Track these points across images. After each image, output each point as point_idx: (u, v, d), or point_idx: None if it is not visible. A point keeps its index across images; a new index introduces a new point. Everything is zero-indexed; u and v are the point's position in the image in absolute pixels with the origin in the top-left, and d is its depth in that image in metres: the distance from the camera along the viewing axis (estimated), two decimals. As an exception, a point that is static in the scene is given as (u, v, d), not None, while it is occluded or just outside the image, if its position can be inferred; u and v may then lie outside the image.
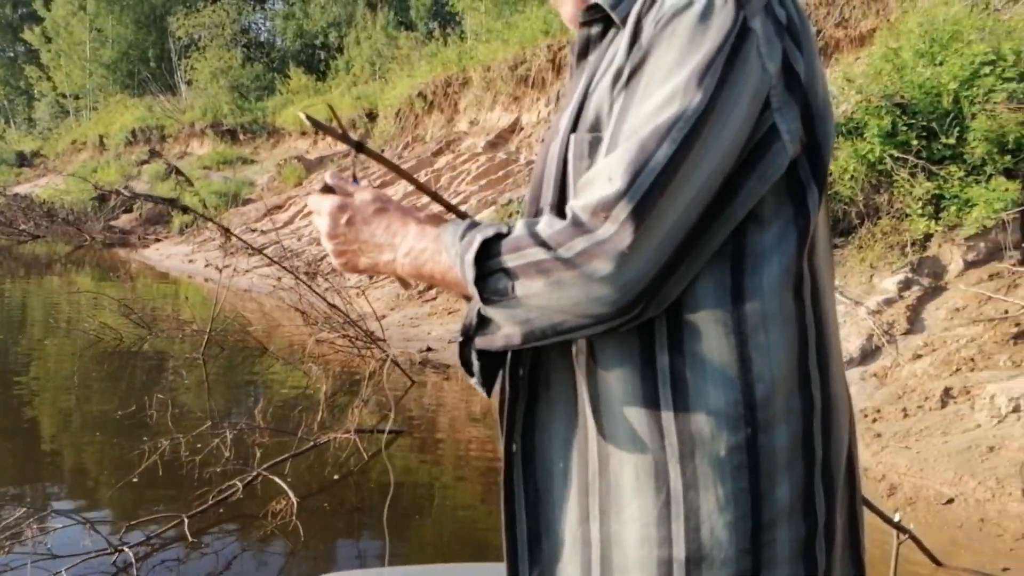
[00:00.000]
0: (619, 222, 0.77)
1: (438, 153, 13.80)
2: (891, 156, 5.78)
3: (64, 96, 33.58)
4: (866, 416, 4.40)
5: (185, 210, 8.39)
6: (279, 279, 6.39)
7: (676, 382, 0.83)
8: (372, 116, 18.05)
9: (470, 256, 0.82)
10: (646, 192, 0.77)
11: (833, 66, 9.01)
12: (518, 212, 9.58)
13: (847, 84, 6.34)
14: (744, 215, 0.82)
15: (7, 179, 26.76)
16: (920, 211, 5.70)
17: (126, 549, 2.79)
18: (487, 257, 0.82)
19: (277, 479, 3.32)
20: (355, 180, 1.04)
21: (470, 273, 0.82)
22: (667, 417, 0.84)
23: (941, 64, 5.88)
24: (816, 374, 0.86)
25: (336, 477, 3.77)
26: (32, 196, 18.83)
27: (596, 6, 0.93)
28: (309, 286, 5.59)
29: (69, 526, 3.05)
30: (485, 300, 0.83)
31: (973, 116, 5.56)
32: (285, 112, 21.63)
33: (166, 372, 6.15)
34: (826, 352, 0.88)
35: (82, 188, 18.92)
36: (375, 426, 4.17)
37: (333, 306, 5.59)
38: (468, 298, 0.88)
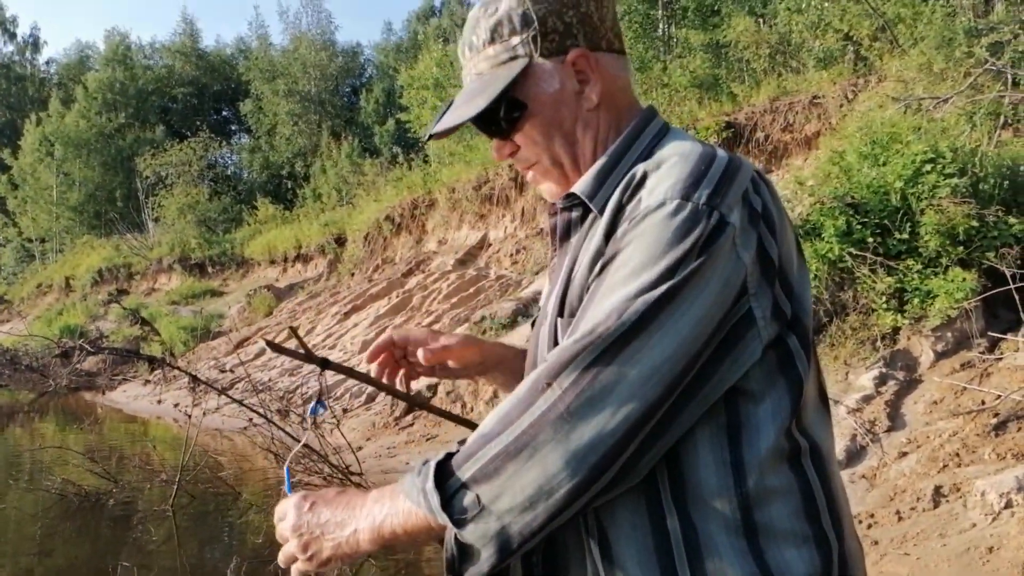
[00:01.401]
0: (562, 388, 0.79)
1: (408, 274, 13.91)
2: (850, 254, 5.93)
3: (30, 240, 33.66)
4: (861, 522, 4.29)
5: (150, 360, 8.25)
6: (250, 420, 6.22)
7: (692, 556, 0.83)
8: (341, 241, 18.27)
9: (430, 483, 0.82)
10: (591, 362, 0.79)
11: (784, 169, 9.40)
12: (491, 328, 9.58)
13: (799, 187, 6.57)
14: (718, 396, 0.84)
15: (-30, 327, 26.30)
16: (885, 305, 5.80)
17: None
18: (445, 478, 0.82)
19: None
20: (319, 397, 1.06)
21: (435, 499, 0.81)
22: None
23: (885, 164, 6.14)
24: (832, 536, 0.88)
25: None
26: (-6, 344, 18.44)
27: (574, 194, 0.98)
28: (279, 427, 5.44)
29: None
30: (457, 523, 0.81)
31: (922, 211, 5.77)
32: (253, 243, 21.82)
33: (133, 528, 5.85)
34: (837, 512, 0.90)
35: (48, 332, 18.64)
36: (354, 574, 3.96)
37: (305, 445, 5.43)
38: (441, 541, 0.86)
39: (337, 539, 0.89)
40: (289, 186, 28.23)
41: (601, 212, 0.93)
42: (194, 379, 6.04)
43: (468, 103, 1.02)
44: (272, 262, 20.77)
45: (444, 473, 0.83)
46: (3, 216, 34.27)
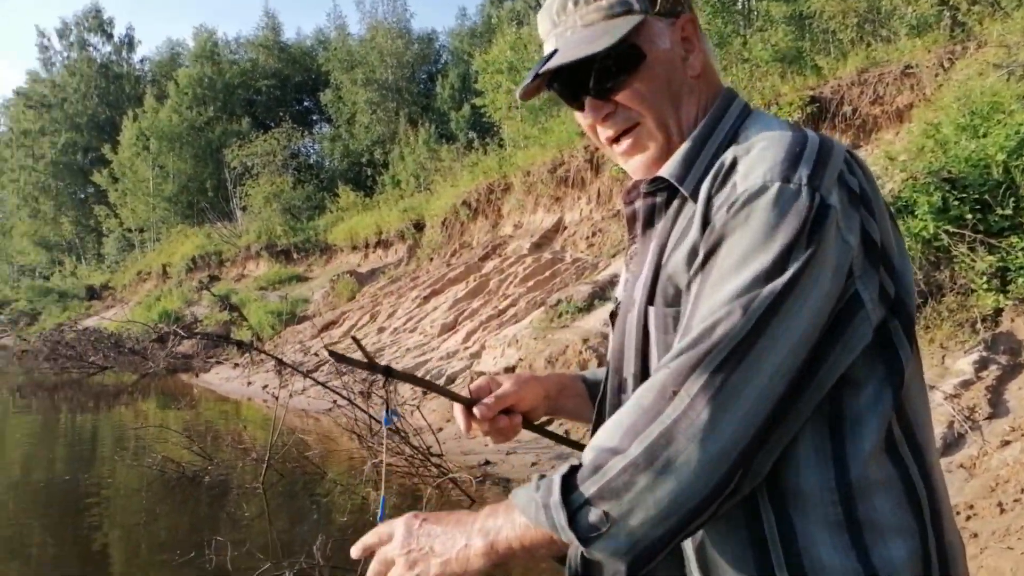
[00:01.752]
0: (691, 396, 0.76)
1: (485, 258, 14.01)
2: (946, 231, 5.63)
3: (130, 230, 35.55)
4: (959, 513, 4.08)
5: (239, 344, 8.60)
6: (334, 401, 6.41)
7: (790, 553, 0.82)
8: (419, 226, 18.55)
9: (555, 498, 0.80)
10: (718, 366, 0.77)
11: (873, 144, 8.96)
12: (567, 312, 9.55)
13: (890, 163, 6.27)
14: (832, 383, 0.82)
15: (77, 313, 28.06)
16: (986, 285, 5.48)
17: None
18: (569, 492, 0.80)
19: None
20: (387, 407, 1.07)
21: (561, 516, 0.79)
22: None
23: (985, 136, 5.78)
24: (931, 530, 0.84)
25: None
26: (100, 329, 19.62)
27: (661, 178, 0.96)
28: (362, 408, 5.59)
29: None
30: (584, 541, 0.79)
31: (1027, 185, 5.41)
32: (336, 229, 22.41)
33: (227, 504, 6.13)
34: (937, 506, 0.87)
35: (147, 317, 19.70)
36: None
37: (388, 427, 5.55)
38: (559, 558, 0.86)
39: (446, 555, 0.85)
40: (369, 173, 28.81)
41: (692, 197, 0.91)
42: (279, 362, 6.26)
43: (588, 43, 0.96)
44: (354, 248, 21.28)
45: (567, 488, 0.80)
46: (105, 208, 36.26)
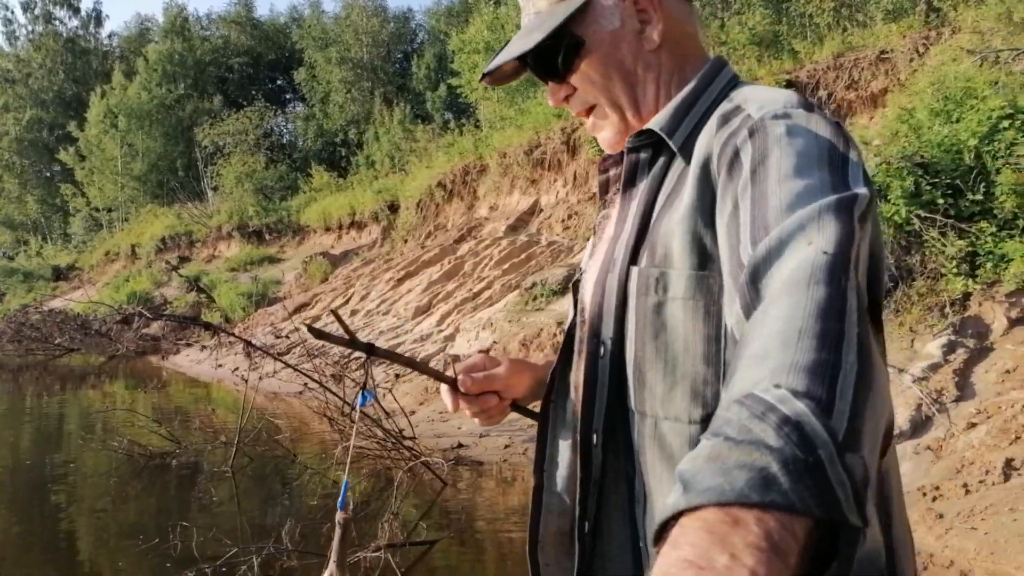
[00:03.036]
0: (851, 277, 0.62)
1: (460, 240, 13.92)
2: (918, 216, 5.66)
3: (97, 210, 34.85)
4: (925, 495, 4.14)
5: (207, 327, 8.46)
6: (305, 384, 6.33)
7: None
8: (394, 208, 18.38)
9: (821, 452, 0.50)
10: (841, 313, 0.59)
11: (848, 128, 9.00)
12: (542, 295, 9.52)
13: (864, 147, 6.28)
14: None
15: (43, 294, 27.49)
16: (955, 270, 5.53)
17: None
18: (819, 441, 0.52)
19: (306, 609, 3.16)
20: (363, 387, 1.01)
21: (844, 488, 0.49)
22: None
23: (958, 121, 5.82)
24: (877, 520, 0.77)
25: (369, 597, 3.60)
26: (67, 310, 19.25)
27: (648, 131, 0.91)
28: (333, 392, 5.52)
29: None
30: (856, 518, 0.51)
31: (998, 171, 5.45)
32: (309, 210, 22.14)
33: (197, 487, 6.05)
34: (888, 491, 0.80)
35: (116, 298, 19.35)
36: (406, 540, 4.00)
37: (359, 412, 5.49)
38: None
39: None
40: (343, 154, 28.48)
41: (682, 153, 0.87)
42: (249, 345, 6.16)
43: (524, 38, 0.98)
44: (327, 229, 21.06)
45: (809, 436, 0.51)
46: (72, 187, 35.49)
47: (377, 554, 3.55)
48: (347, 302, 13.93)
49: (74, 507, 5.93)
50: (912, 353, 5.38)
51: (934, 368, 5.11)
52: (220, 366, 12.14)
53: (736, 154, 0.78)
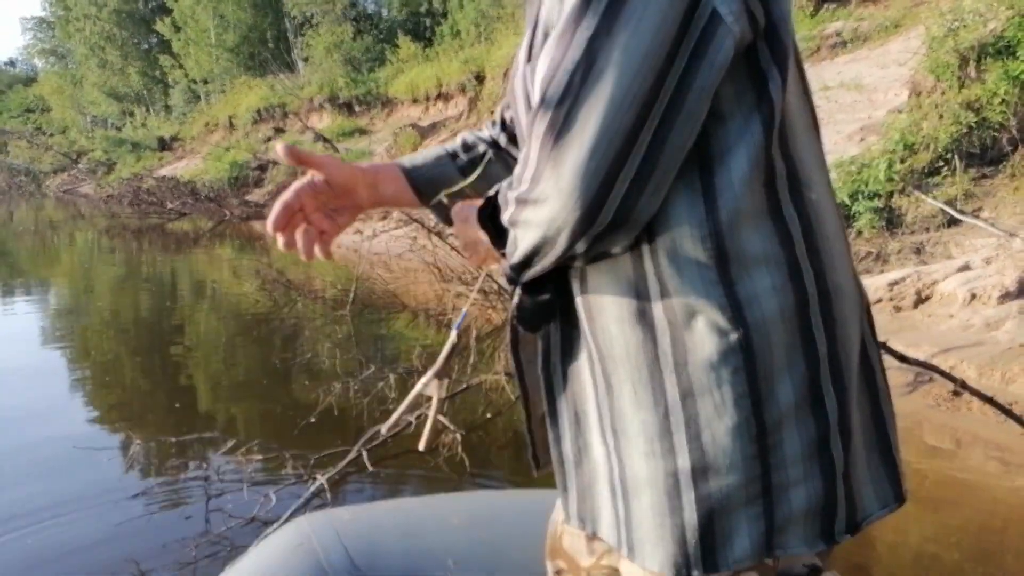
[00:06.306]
0: (539, 137, 0.75)
1: (551, 110, 13.81)
2: (1048, 75, 5.39)
3: (195, 82, 35.73)
4: (1026, 349, 4.21)
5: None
6: (414, 238, 6.69)
7: (663, 291, 0.80)
8: (480, 78, 18.21)
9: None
10: (559, 98, 0.74)
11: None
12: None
13: (996, 0, 5.91)
14: (706, 110, 0.76)
15: (151, 163, 28.94)
16: (1082, 132, 5.30)
17: (318, 477, 3.13)
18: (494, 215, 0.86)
19: (442, 418, 3.59)
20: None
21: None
22: (659, 327, 0.81)
23: (1107, -31, 5.38)
24: (807, 265, 0.81)
25: (489, 416, 4.04)
26: (176, 177, 20.32)
27: None
28: (443, 239, 5.84)
29: (269, 457, 3.48)
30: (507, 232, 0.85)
31: None
32: (396, 82, 22.17)
33: (315, 331, 6.59)
34: (815, 242, 0.82)
35: (218, 168, 20.25)
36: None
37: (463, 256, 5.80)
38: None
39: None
40: (428, 24, 28.00)
41: None
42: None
43: None
44: (415, 101, 21.11)
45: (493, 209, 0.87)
46: (171, 58, 36.35)
47: (497, 376, 3.94)
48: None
49: (208, 344, 6.63)
50: (1025, 217, 5.28)
51: (1048, 231, 5.02)
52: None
53: None
